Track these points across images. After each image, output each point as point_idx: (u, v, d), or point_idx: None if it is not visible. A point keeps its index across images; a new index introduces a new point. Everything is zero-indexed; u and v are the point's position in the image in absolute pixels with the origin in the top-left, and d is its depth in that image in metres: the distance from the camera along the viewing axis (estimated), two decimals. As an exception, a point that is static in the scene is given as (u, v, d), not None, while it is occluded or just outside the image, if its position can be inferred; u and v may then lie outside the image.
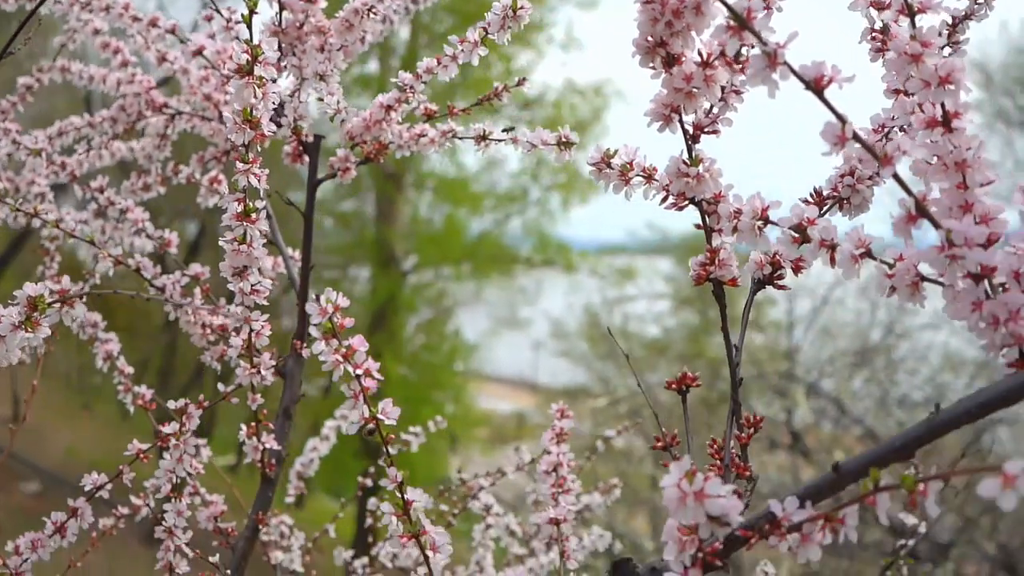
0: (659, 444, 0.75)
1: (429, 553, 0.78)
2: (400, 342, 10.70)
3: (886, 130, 0.83)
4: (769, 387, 6.93)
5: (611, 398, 8.05)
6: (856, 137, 0.61)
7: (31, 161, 1.28)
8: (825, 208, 0.83)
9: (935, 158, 0.66)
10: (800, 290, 7.74)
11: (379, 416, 0.76)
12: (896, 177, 0.62)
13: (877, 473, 0.56)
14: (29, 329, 0.82)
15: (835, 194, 0.83)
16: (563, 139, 1.05)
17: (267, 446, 1.13)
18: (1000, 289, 0.63)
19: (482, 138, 1.12)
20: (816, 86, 0.61)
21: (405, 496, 0.78)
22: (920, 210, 0.62)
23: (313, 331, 0.75)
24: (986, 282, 0.64)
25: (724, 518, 0.61)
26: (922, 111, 0.66)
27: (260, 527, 1.17)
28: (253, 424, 1.12)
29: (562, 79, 10.62)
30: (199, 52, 1.25)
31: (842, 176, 0.83)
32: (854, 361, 7.23)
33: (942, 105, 0.65)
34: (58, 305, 0.82)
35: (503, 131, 1.12)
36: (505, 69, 10.94)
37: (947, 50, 0.85)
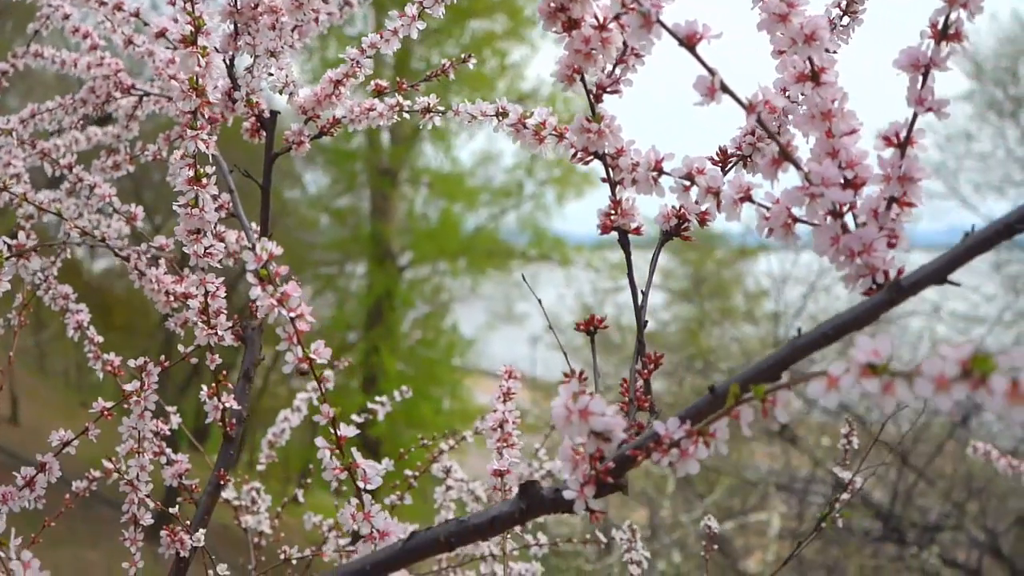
0: (566, 380, 0.81)
1: (361, 484, 0.84)
2: (397, 337, 10.76)
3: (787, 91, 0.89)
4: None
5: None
6: (724, 88, 0.67)
7: (3, 141, 1.35)
8: (730, 165, 0.90)
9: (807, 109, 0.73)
10: (790, 279, 7.81)
11: (312, 356, 0.83)
12: (761, 124, 0.68)
13: (736, 388, 0.62)
14: (-12, 283, 0.88)
15: (739, 152, 0.89)
16: (500, 111, 1.11)
17: (227, 406, 1.19)
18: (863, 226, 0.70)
19: (426, 110, 1.19)
20: (688, 43, 0.67)
21: (338, 432, 0.84)
22: (784, 155, 0.69)
23: (250, 277, 0.81)
24: (850, 219, 0.70)
25: (607, 433, 0.67)
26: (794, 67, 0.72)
27: (222, 483, 1.24)
28: (214, 384, 1.19)
29: (556, 74, 10.62)
30: (162, 34, 1.30)
31: (745, 135, 0.89)
32: (843, 349, 7.28)
33: (810, 60, 0.72)
34: (14, 259, 0.89)
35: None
36: (500, 64, 11.01)
37: (846, 19, 0.91)
